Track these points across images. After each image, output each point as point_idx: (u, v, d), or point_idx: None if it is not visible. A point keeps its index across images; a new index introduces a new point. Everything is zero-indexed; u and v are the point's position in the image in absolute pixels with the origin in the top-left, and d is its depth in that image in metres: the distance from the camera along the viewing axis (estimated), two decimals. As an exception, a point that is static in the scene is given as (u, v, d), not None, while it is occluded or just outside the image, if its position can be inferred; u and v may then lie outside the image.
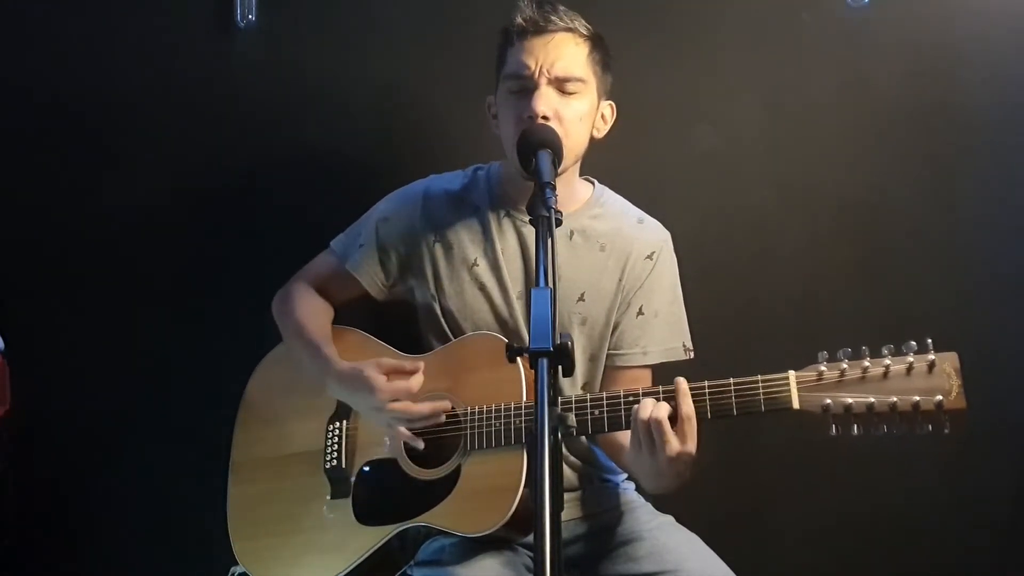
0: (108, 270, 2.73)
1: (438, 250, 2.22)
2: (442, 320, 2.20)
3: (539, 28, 2.08)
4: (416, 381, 2.06)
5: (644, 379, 2.18)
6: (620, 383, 2.16)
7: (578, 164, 2.19)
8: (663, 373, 2.17)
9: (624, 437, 2.02)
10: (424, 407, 2.04)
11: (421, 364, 2.09)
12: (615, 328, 2.19)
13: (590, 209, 2.22)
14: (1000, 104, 2.49)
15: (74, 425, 2.70)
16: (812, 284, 2.53)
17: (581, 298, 2.16)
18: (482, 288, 2.18)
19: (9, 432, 2.50)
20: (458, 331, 2.18)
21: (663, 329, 2.19)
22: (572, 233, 2.19)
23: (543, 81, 2.06)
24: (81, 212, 2.74)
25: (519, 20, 2.10)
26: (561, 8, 2.11)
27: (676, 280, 2.24)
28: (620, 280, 2.18)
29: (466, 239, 2.21)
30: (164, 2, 2.76)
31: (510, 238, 2.19)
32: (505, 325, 2.16)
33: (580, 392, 2.16)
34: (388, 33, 2.68)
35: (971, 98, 2.50)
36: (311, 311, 2.27)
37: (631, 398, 1.93)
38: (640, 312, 2.18)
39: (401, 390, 2.04)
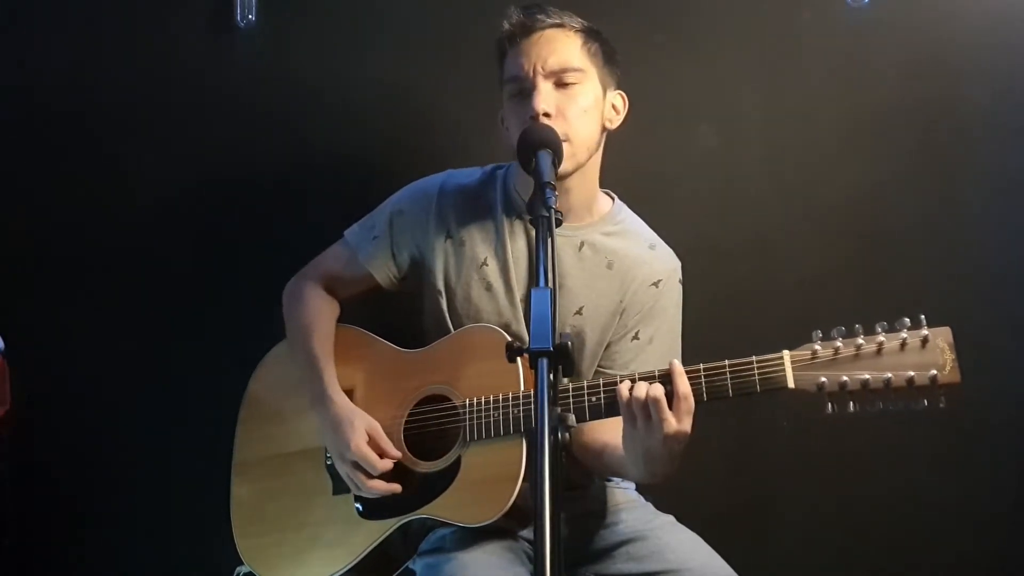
0: (108, 270, 2.73)
1: (449, 247, 2.21)
2: (447, 318, 2.19)
3: (527, 29, 2.10)
4: (383, 465, 2.05)
5: None
6: None
7: (597, 168, 2.18)
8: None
9: (607, 434, 2.01)
10: (376, 484, 2.05)
11: (399, 454, 2.08)
12: (608, 347, 2.17)
13: (604, 225, 2.21)
14: (999, 103, 2.49)
15: (74, 425, 2.71)
16: (811, 283, 2.52)
17: (579, 312, 2.15)
18: (489, 288, 2.18)
19: (9, 432, 2.49)
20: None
21: (655, 356, 2.15)
22: (582, 244, 2.18)
23: (540, 79, 2.06)
24: (81, 212, 2.74)
25: (507, 27, 2.12)
26: (550, 8, 2.12)
27: (678, 310, 2.21)
28: (621, 302, 2.16)
29: (478, 238, 2.20)
30: (164, 2, 2.76)
31: (520, 240, 2.19)
32: (509, 327, 2.15)
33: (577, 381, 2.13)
34: (388, 32, 2.68)
35: (970, 97, 2.50)
36: (318, 316, 2.26)
37: (628, 382, 1.91)
38: (635, 337, 2.16)
39: (369, 462, 2.04)
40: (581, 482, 2.19)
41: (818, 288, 2.52)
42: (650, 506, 2.22)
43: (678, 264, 2.23)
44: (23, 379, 2.51)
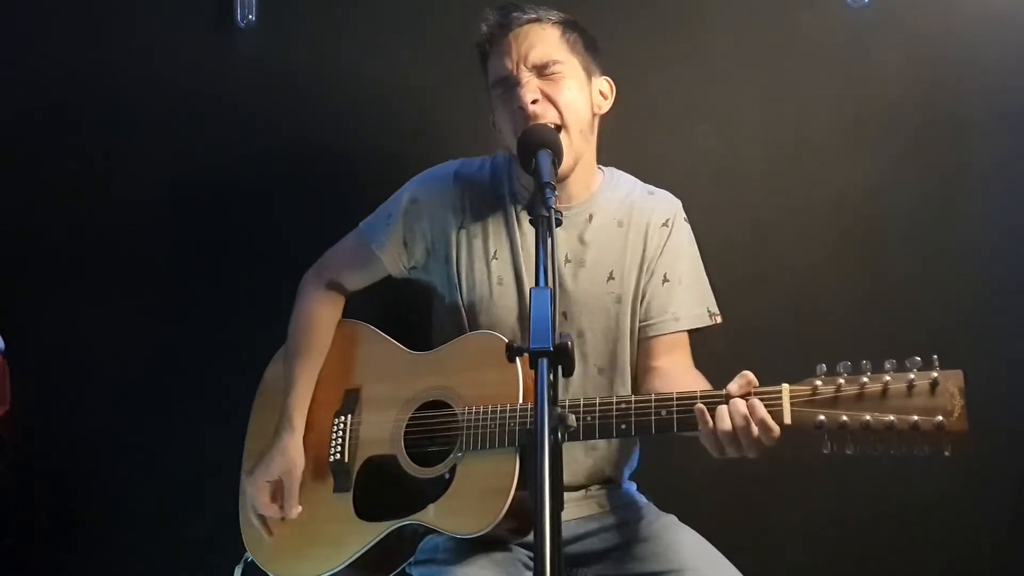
0: (108, 269, 2.73)
1: (463, 237, 2.21)
2: (461, 310, 2.19)
3: (505, 28, 2.12)
4: (267, 510, 2.17)
5: (681, 345, 2.17)
6: (657, 353, 2.15)
7: (593, 153, 2.20)
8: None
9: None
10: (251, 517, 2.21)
11: (294, 511, 2.16)
12: (642, 299, 2.18)
13: (604, 192, 2.23)
14: (1000, 104, 2.49)
15: (74, 425, 2.71)
16: (812, 290, 2.52)
17: (611, 277, 2.16)
18: (500, 282, 2.18)
19: (9, 432, 2.49)
20: (474, 323, 2.18)
21: (689, 294, 2.19)
22: (591, 216, 2.19)
23: (523, 74, 2.08)
24: (81, 211, 2.74)
25: (485, 29, 2.14)
26: (526, 6, 2.14)
27: (694, 246, 2.24)
28: (643, 251, 2.18)
29: (491, 230, 2.21)
30: (164, 2, 2.76)
31: (528, 233, 2.18)
32: (520, 321, 2.16)
33: (572, 397, 2.07)
34: (388, 32, 2.68)
35: (971, 98, 2.50)
36: (314, 331, 2.28)
37: (623, 405, 1.91)
38: (665, 279, 2.18)
39: (258, 501, 2.17)
40: (582, 483, 2.19)
41: (816, 288, 2.52)
42: (652, 506, 2.22)
43: (679, 203, 2.26)
44: (23, 379, 2.51)
